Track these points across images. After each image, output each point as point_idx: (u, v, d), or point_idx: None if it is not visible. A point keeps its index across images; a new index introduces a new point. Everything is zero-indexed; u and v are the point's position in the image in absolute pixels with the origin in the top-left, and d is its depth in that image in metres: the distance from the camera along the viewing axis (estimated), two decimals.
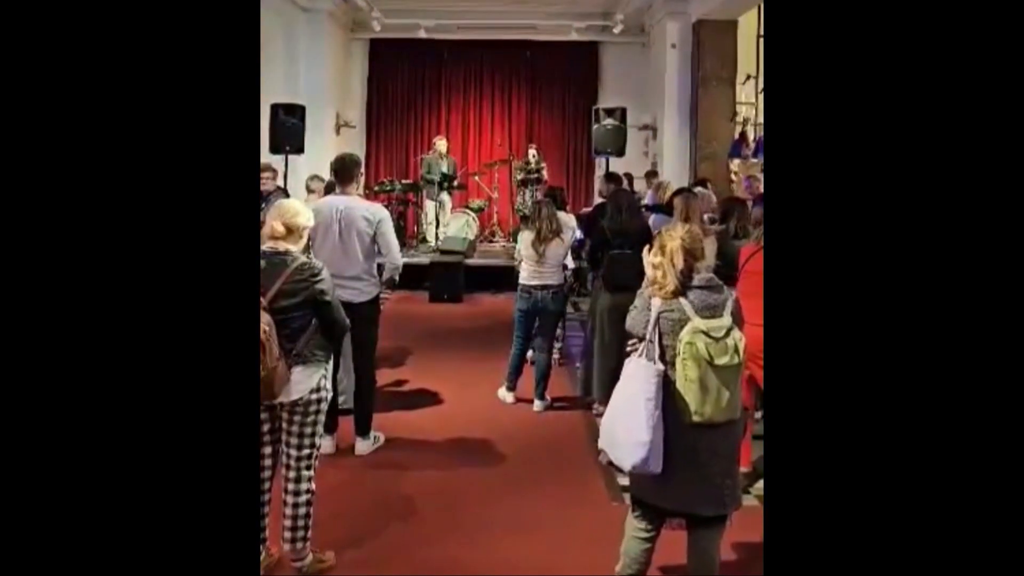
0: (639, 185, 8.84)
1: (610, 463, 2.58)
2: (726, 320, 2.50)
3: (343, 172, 4.18)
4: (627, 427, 2.47)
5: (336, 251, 3.98)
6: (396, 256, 4.15)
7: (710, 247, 4.27)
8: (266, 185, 6.04)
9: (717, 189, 8.06)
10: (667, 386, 2.48)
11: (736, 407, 2.50)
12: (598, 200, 7.21)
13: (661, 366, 2.48)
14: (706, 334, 2.44)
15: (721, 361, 2.43)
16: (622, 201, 5.00)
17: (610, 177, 5.97)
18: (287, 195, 5.77)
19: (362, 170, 4.36)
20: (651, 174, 9.27)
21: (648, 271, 2.63)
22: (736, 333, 2.49)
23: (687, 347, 2.43)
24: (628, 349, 2.65)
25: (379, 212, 4.14)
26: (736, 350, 2.46)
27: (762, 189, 7.21)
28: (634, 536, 2.65)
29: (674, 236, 2.57)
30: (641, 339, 2.56)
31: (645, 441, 2.42)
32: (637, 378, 2.50)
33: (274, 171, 6.49)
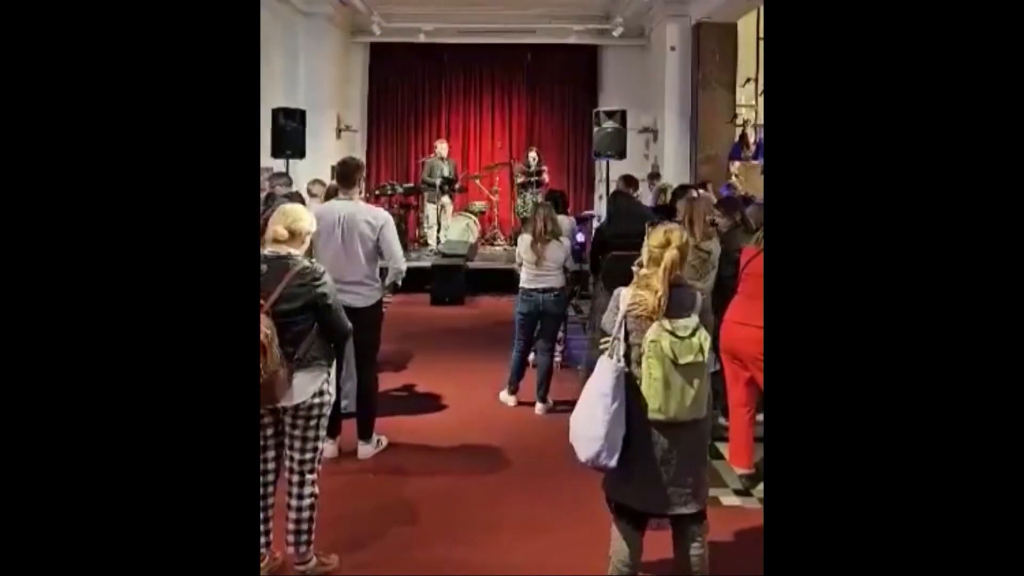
0: (641, 188, 8.85)
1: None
2: (693, 319, 2.51)
3: (346, 176, 4.17)
4: (584, 421, 2.51)
5: (339, 256, 3.98)
6: (399, 260, 4.15)
7: (715, 250, 4.30)
8: (278, 190, 6.01)
9: (718, 191, 8.07)
10: (632, 384, 2.51)
11: (701, 406, 2.52)
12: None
13: (621, 363, 2.51)
14: (672, 333, 2.46)
15: (686, 360, 2.45)
16: (621, 204, 5.01)
17: (628, 180, 5.98)
18: (301, 200, 5.73)
19: (364, 174, 4.34)
20: (653, 176, 9.29)
21: (636, 274, 2.64)
22: (702, 332, 2.51)
23: (652, 345, 2.46)
24: (601, 347, 2.67)
25: (382, 216, 4.13)
26: (701, 349, 2.48)
27: (740, 193, 7.24)
28: (618, 537, 2.66)
29: (672, 242, 2.56)
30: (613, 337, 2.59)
31: (599, 436, 2.46)
32: (599, 375, 2.53)
33: (288, 178, 6.48)
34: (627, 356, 2.54)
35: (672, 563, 2.68)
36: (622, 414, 2.48)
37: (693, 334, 2.49)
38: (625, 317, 2.55)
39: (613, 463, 2.49)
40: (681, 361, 2.45)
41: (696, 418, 2.52)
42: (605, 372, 2.51)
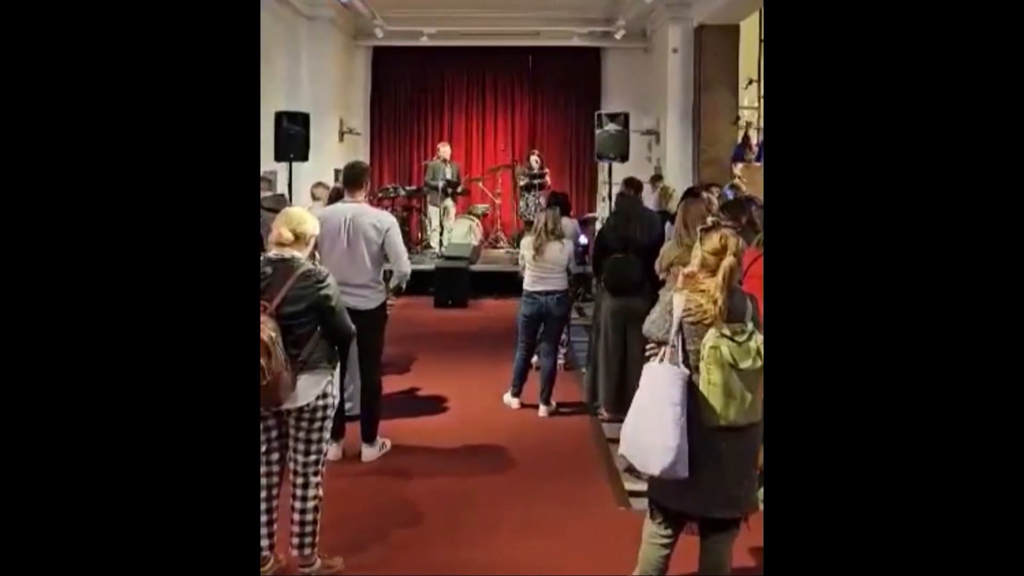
0: (644, 190, 8.84)
1: (628, 468, 2.57)
2: (749, 324, 2.51)
3: (352, 179, 4.18)
4: (653, 432, 2.46)
5: (344, 258, 3.99)
6: (404, 264, 4.16)
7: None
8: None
9: (721, 193, 8.07)
10: (690, 390, 2.49)
11: (758, 409, 2.49)
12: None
13: (686, 370, 2.49)
14: (730, 338, 2.45)
15: (744, 365, 2.43)
16: (624, 207, 5.02)
17: (631, 183, 5.98)
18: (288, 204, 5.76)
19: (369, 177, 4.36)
20: (656, 178, 9.29)
21: (681, 278, 2.63)
22: (758, 336, 2.49)
23: (711, 351, 2.44)
24: (647, 353, 2.66)
25: (387, 220, 4.15)
26: (758, 353, 2.46)
27: (743, 195, 7.21)
28: (652, 542, 2.64)
29: (728, 248, 2.54)
30: (660, 343, 2.57)
31: (673, 446, 2.42)
32: (662, 383, 2.49)
33: (268, 180, 6.47)
34: (684, 362, 2.52)
35: (700, 565, 2.65)
36: (685, 421, 2.46)
37: (750, 338, 2.47)
38: (681, 323, 2.53)
39: (686, 472, 2.45)
40: (741, 366, 2.43)
41: (753, 422, 2.50)
42: (671, 380, 2.47)
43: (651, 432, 2.48)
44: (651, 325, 2.65)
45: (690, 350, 2.52)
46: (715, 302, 2.48)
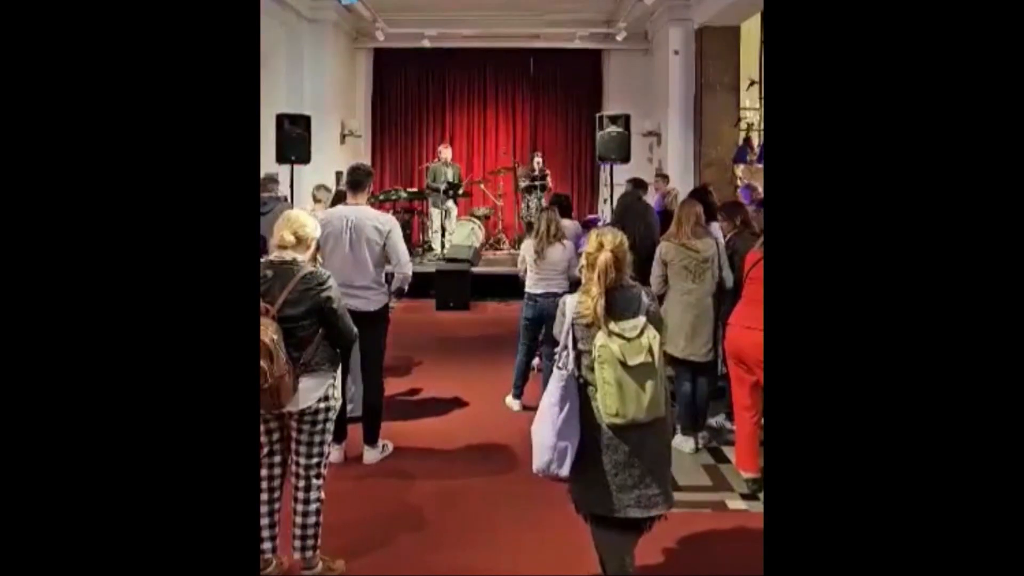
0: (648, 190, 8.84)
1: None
2: (639, 320, 2.51)
3: (357, 182, 4.19)
4: (537, 432, 2.52)
5: (347, 261, 4.00)
6: (406, 266, 4.17)
7: (710, 250, 4.33)
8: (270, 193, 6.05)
9: (722, 194, 8.08)
10: (586, 391, 2.52)
11: (659, 405, 2.50)
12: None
13: (567, 371, 2.51)
14: (619, 336, 2.47)
15: (635, 361, 2.45)
16: (628, 208, 5.02)
17: (637, 183, 5.98)
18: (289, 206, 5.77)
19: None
20: (660, 176, 9.28)
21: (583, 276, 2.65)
22: (650, 332, 2.51)
23: (601, 350, 2.46)
24: (554, 355, 2.68)
25: (389, 222, 4.17)
26: (650, 349, 2.47)
27: (761, 197, 7.21)
28: (603, 547, 2.64)
29: (604, 245, 2.56)
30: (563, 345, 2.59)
31: (550, 446, 2.47)
32: (550, 383, 2.54)
33: (275, 181, 6.48)
34: (579, 364, 2.54)
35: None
36: (573, 422, 2.48)
37: (640, 335, 2.48)
38: (573, 325, 2.54)
39: (564, 472, 2.49)
40: (630, 363, 2.44)
41: (656, 417, 2.51)
42: (553, 382, 2.52)
43: (536, 432, 2.53)
44: (555, 328, 2.68)
45: (583, 350, 2.53)
46: (593, 299, 2.49)
